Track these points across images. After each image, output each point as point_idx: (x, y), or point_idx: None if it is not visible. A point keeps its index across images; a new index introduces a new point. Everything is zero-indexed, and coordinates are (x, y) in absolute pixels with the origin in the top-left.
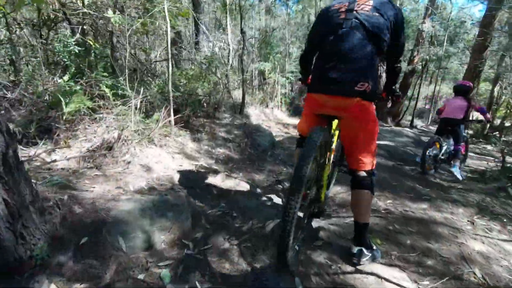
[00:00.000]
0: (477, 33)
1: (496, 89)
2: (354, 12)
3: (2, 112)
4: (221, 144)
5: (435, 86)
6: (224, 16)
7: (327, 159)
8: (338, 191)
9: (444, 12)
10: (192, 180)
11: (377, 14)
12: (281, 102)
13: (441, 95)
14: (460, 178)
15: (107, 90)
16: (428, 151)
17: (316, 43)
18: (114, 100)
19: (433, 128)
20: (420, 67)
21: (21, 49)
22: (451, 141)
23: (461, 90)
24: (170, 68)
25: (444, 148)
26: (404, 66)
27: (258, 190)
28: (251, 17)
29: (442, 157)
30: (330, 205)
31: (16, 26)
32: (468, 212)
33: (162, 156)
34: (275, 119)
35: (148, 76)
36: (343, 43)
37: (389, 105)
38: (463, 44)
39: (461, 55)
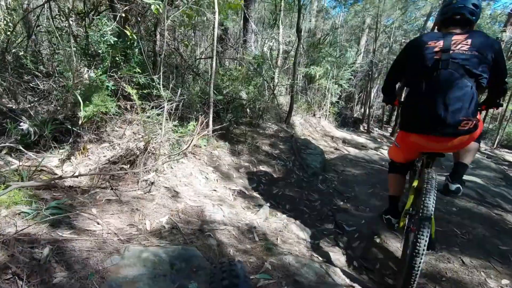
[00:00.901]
0: None
1: None
2: (451, 52)
3: (27, 106)
4: (263, 160)
5: (507, 105)
6: (277, 13)
7: None
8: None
9: None
10: (227, 216)
11: (476, 53)
12: (329, 111)
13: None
14: None
15: (133, 92)
16: None
17: (403, 78)
18: (143, 102)
19: (500, 152)
20: None
21: (71, 39)
22: None
23: None
24: (214, 67)
25: None
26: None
27: (312, 242)
28: (302, 17)
29: None
30: None
31: (65, 14)
32: None
33: (193, 176)
34: (322, 130)
35: (190, 75)
36: (440, 85)
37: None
38: None
39: None
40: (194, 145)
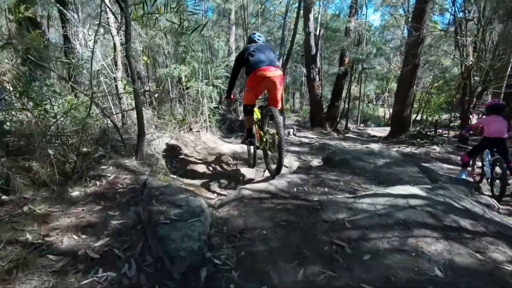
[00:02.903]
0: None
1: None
2: (259, 43)
3: None
4: None
5: (360, 87)
6: None
7: None
8: None
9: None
10: None
11: (268, 46)
12: (209, 121)
13: (368, 94)
14: None
15: None
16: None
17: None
18: None
19: (362, 128)
20: (350, 68)
21: None
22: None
23: (498, 109)
24: None
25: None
26: (335, 68)
27: None
28: None
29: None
30: None
31: None
32: None
33: None
34: (204, 148)
35: None
36: (262, 52)
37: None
38: (372, 44)
39: (389, 53)
40: None
